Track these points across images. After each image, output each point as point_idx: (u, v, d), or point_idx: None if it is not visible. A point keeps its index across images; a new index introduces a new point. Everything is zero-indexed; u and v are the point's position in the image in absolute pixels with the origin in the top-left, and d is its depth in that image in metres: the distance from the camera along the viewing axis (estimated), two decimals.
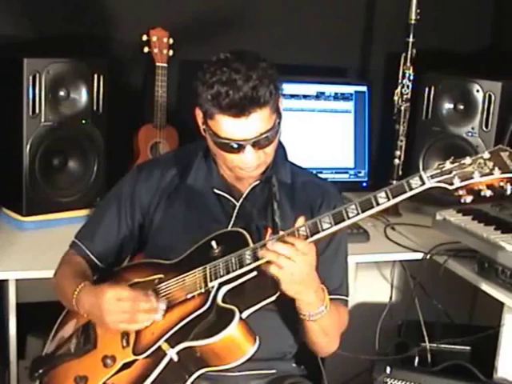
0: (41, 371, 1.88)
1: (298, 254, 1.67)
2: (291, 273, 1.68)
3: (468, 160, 1.65)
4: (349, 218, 1.68)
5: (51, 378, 1.88)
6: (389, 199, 1.66)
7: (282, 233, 1.74)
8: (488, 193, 1.63)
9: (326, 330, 1.85)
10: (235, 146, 1.79)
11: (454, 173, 1.64)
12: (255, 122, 1.76)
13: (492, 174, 1.62)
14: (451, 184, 1.64)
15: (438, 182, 1.65)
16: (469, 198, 1.65)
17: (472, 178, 1.63)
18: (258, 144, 1.79)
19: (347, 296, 1.98)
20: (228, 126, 1.77)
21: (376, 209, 1.67)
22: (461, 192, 1.65)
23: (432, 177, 1.65)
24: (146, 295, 1.77)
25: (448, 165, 1.65)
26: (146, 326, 1.77)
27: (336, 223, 1.69)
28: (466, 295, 2.97)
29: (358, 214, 1.67)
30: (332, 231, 1.70)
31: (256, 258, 1.72)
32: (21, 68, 2.44)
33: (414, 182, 1.66)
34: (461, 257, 2.45)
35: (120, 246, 2.00)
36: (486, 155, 1.64)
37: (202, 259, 1.81)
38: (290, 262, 1.66)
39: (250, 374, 1.89)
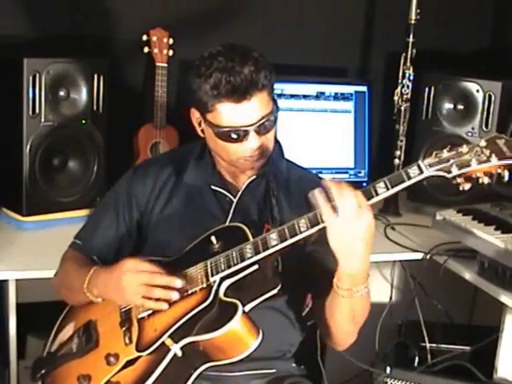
0: (43, 372, 1.89)
1: (357, 206, 1.62)
2: (342, 221, 1.62)
3: (465, 148, 1.65)
4: None
5: (54, 379, 1.88)
6: (388, 189, 1.67)
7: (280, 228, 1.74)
8: (486, 179, 1.64)
9: (355, 315, 1.80)
10: (239, 133, 1.80)
11: (452, 161, 1.64)
12: (256, 106, 1.78)
13: (489, 161, 1.62)
14: (449, 172, 1.64)
15: (437, 170, 1.64)
16: (467, 186, 1.65)
17: (469, 165, 1.63)
18: (260, 129, 1.81)
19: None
20: (230, 113, 1.78)
21: (375, 199, 1.67)
22: (459, 180, 1.65)
23: (430, 165, 1.65)
24: (163, 272, 1.77)
25: (445, 153, 1.65)
26: (162, 309, 1.76)
27: None
28: (466, 295, 2.97)
29: None
30: None
31: (257, 252, 1.73)
32: (21, 68, 2.44)
33: (412, 171, 1.65)
34: (461, 257, 2.45)
35: (119, 245, 2.01)
36: (483, 143, 1.65)
37: (202, 255, 1.81)
38: (346, 209, 1.61)
39: (250, 374, 1.89)
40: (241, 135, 1.81)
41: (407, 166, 1.67)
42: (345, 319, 1.80)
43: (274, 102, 1.86)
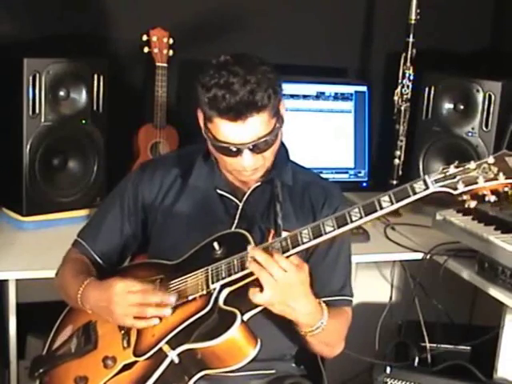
0: (41, 371, 1.88)
1: (279, 271, 1.66)
2: (272, 292, 1.67)
3: (472, 165, 1.63)
4: (352, 221, 1.67)
5: (51, 378, 1.88)
6: (392, 203, 1.66)
7: (284, 234, 1.74)
8: (492, 198, 1.62)
9: (325, 341, 1.85)
10: (233, 149, 1.78)
11: (459, 177, 1.62)
12: (253, 127, 1.75)
13: (496, 179, 1.60)
14: (455, 189, 1.62)
15: (442, 186, 1.63)
16: (473, 203, 1.63)
17: (476, 183, 1.61)
18: (256, 148, 1.78)
19: (351, 296, 1.97)
20: (225, 130, 1.76)
21: (379, 213, 1.66)
22: (465, 197, 1.63)
23: (436, 181, 1.64)
24: (155, 289, 1.78)
25: (452, 169, 1.64)
26: (153, 325, 1.76)
27: (339, 226, 1.68)
28: (465, 295, 2.97)
29: (361, 217, 1.67)
30: (334, 235, 1.69)
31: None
32: (21, 68, 2.44)
33: (418, 186, 1.65)
34: (461, 257, 2.45)
35: (123, 245, 2.00)
36: (491, 160, 1.62)
37: (204, 260, 1.80)
38: (271, 279, 1.66)
39: (250, 374, 1.88)
40: (235, 152, 1.79)
41: (413, 181, 1.66)
42: (316, 347, 1.88)
43: (278, 118, 1.82)
